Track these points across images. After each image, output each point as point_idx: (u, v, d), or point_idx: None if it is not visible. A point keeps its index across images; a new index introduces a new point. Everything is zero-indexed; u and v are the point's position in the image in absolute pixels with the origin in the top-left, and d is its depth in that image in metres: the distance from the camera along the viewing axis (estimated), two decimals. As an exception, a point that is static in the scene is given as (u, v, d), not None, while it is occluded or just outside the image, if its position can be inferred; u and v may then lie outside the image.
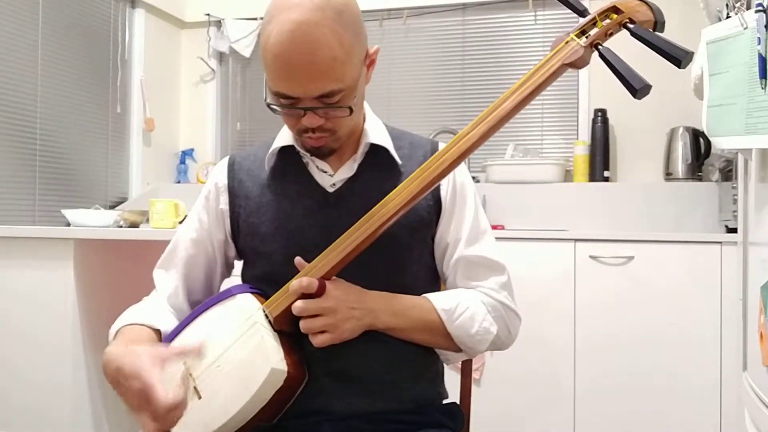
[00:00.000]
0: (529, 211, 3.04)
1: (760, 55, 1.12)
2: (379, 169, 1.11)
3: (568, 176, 3.12)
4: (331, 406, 1.02)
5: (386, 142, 1.12)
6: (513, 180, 3.06)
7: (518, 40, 3.28)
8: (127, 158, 3.35)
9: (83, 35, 3.06)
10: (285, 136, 1.13)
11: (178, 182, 3.60)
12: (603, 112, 3.03)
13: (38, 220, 2.79)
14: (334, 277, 1.00)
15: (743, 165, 1.47)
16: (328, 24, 0.92)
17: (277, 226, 1.10)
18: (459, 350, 1.10)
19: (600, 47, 0.94)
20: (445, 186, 1.13)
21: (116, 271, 2.15)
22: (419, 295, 1.09)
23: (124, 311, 1.13)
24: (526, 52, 3.26)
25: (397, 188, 0.99)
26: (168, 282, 1.17)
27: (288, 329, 1.01)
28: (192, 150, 3.66)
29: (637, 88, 0.88)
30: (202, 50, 3.63)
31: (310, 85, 0.94)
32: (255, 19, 3.55)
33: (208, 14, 3.58)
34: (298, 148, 1.11)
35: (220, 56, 3.70)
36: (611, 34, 0.95)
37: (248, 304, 1.03)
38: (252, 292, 1.06)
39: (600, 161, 3.02)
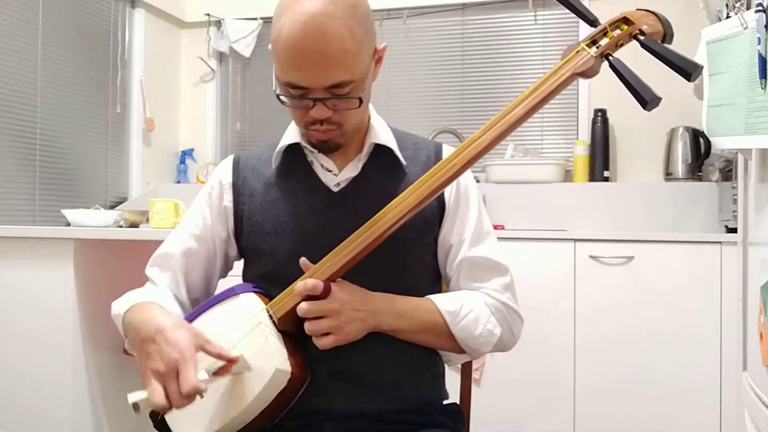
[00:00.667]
0: (529, 211, 3.04)
1: (760, 55, 1.12)
2: (384, 169, 1.12)
3: (568, 176, 3.12)
4: (333, 406, 1.03)
5: (391, 143, 1.12)
6: (513, 180, 3.06)
7: (518, 40, 3.28)
8: (127, 158, 3.35)
9: (83, 35, 3.06)
10: (291, 135, 1.13)
11: (178, 182, 3.60)
12: (603, 112, 3.03)
13: (38, 220, 2.79)
14: (339, 279, 1.00)
15: (743, 165, 1.47)
16: (341, 16, 0.94)
17: (281, 224, 1.10)
18: (462, 352, 1.10)
19: (610, 58, 0.94)
20: (449, 188, 1.13)
21: (116, 271, 2.14)
22: (422, 296, 1.09)
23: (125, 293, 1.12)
24: (526, 52, 3.26)
25: (404, 192, 1.00)
26: (168, 277, 1.15)
27: (292, 330, 1.01)
28: (192, 150, 3.66)
29: (648, 100, 0.89)
30: (202, 50, 3.64)
31: (321, 75, 0.95)
32: (255, 19, 3.56)
33: (208, 14, 3.58)
34: (303, 145, 1.12)
35: (220, 56, 3.70)
36: (621, 45, 0.95)
37: (252, 304, 1.03)
38: (255, 292, 1.06)
39: (600, 161, 3.02)
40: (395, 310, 1.04)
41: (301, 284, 0.97)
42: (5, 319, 2.04)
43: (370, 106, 1.14)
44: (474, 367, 2.32)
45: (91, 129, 3.12)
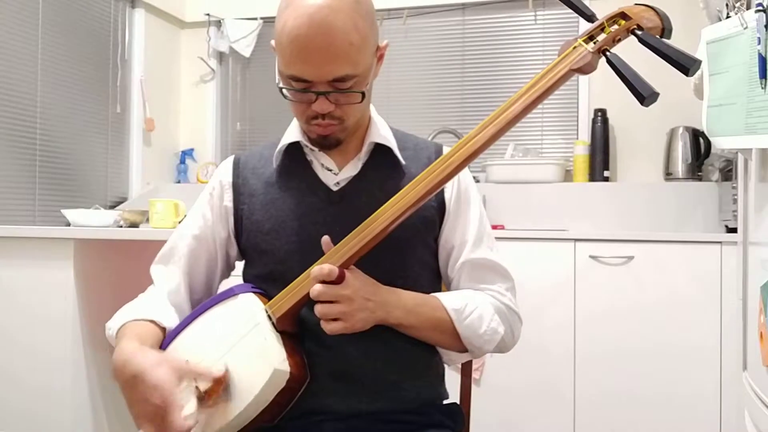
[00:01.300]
0: (529, 211, 3.03)
1: (760, 55, 1.12)
2: (383, 168, 1.12)
3: (568, 176, 3.12)
4: (332, 406, 1.03)
5: (391, 142, 1.12)
6: (513, 180, 3.06)
7: (518, 40, 3.28)
8: (127, 158, 3.35)
9: (83, 35, 3.06)
10: (292, 134, 1.13)
11: (178, 182, 3.60)
12: (603, 112, 3.03)
13: (38, 220, 2.79)
14: (352, 267, 1.00)
15: (743, 165, 1.47)
16: (346, 10, 0.95)
17: (281, 223, 1.10)
18: (465, 350, 1.10)
19: (608, 53, 0.94)
20: (450, 188, 1.13)
21: (116, 271, 2.15)
22: None
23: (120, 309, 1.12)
24: (526, 52, 3.26)
25: (403, 189, 0.99)
26: (169, 278, 1.16)
27: (291, 330, 1.01)
28: (192, 150, 3.66)
29: (645, 96, 0.88)
30: (202, 50, 3.64)
31: (324, 68, 0.96)
32: (255, 19, 3.56)
33: (208, 14, 3.58)
34: (304, 144, 1.12)
35: (220, 56, 3.70)
36: (619, 40, 0.94)
37: (251, 304, 1.03)
38: (254, 292, 1.06)
39: (600, 161, 3.02)
40: (403, 305, 1.04)
41: (317, 268, 0.96)
42: (5, 319, 2.04)
43: (371, 106, 1.14)
44: (474, 367, 2.32)
45: (91, 129, 3.12)
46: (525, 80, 3.22)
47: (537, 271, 2.48)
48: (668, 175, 2.93)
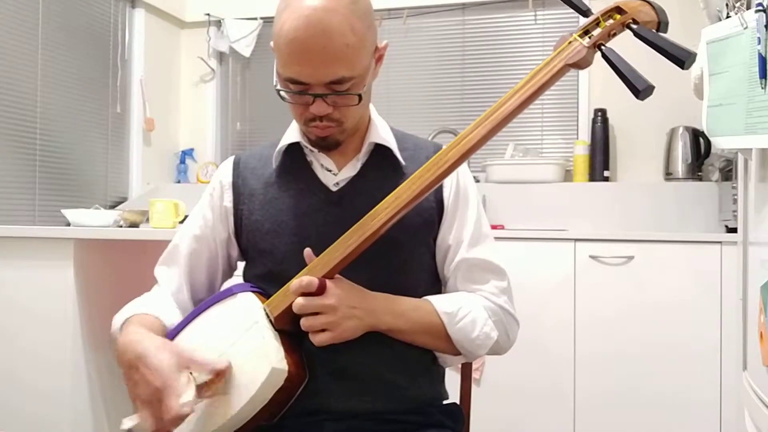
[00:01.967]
0: (529, 211, 3.03)
1: (760, 55, 1.12)
2: (383, 169, 1.11)
3: (568, 176, 3.12)
4: (332, 406, 1.03)
5: (390, 143, 1.12)
6: (513, 180, 3.06)
7: (518, 40, 3.28)
8: (127, 158, 3.35)
9: (83, 35, 3.06)
10: (292, 134, 1.13)
11: (178, 182, 3.60)
12: (603, 112, 3.03)
13: (38, 220, 2.79)
14: (336, 276, 1.00)
15: (743, 165, 1.47)
16: (343, 12, 0.94)
17: (280, 223, 1.10)
18: (458, 354, 1.10)
19: (603, 48, 0.93)
20: (448, 188, 1.13)
21: (116, 271, 2.14)
22: (421, 296, 1.09)
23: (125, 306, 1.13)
24: (526, 52, 3.26)
25: (399, 188, 0.99)
26: (172, 278, 1.17)
27: (289, 329, 1.01)
28: (192, 150, 3.66)
29: (640, 89, 0.88)
30: (202, 50, 3.63)
31: (321, 70, 0.95)
32: (255, 19, 3.56)
33: (208, 14, 3.58)
34: (303, 144, 1.12)
35: (220, 56, 3.70)
36: (614, 35, 0.94)
37: (249, 303, 1.03)
38: (253, 291, 1.06)
39: (600, 161, 3.02)
40: (393, 310, 1.04)
41: (296, 282, 0.97)
42: (5, 319, 2.04)
43: (371, 106, 1.14)
44: (474, 367, 2.32)
45: (91, 129, 3.12)
46: (525, 80, 3.23)
47: (537, 271, 2.48)
48: (668, 175, 2.93)
